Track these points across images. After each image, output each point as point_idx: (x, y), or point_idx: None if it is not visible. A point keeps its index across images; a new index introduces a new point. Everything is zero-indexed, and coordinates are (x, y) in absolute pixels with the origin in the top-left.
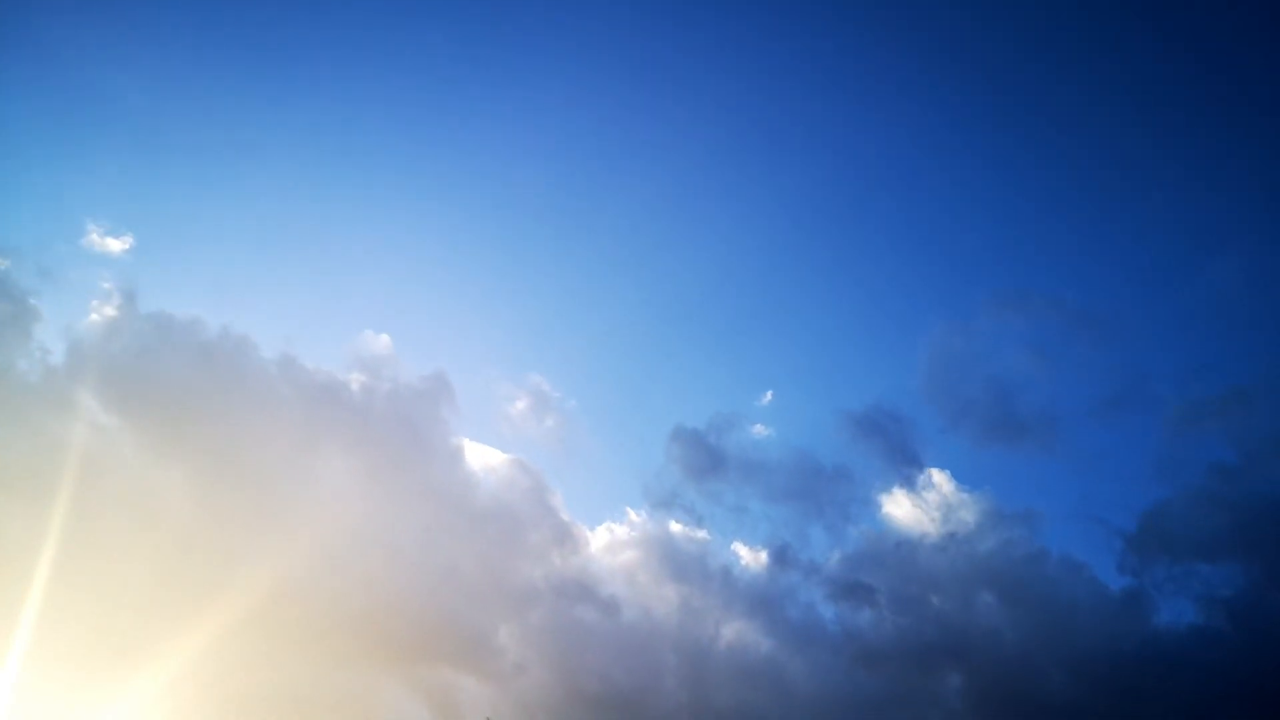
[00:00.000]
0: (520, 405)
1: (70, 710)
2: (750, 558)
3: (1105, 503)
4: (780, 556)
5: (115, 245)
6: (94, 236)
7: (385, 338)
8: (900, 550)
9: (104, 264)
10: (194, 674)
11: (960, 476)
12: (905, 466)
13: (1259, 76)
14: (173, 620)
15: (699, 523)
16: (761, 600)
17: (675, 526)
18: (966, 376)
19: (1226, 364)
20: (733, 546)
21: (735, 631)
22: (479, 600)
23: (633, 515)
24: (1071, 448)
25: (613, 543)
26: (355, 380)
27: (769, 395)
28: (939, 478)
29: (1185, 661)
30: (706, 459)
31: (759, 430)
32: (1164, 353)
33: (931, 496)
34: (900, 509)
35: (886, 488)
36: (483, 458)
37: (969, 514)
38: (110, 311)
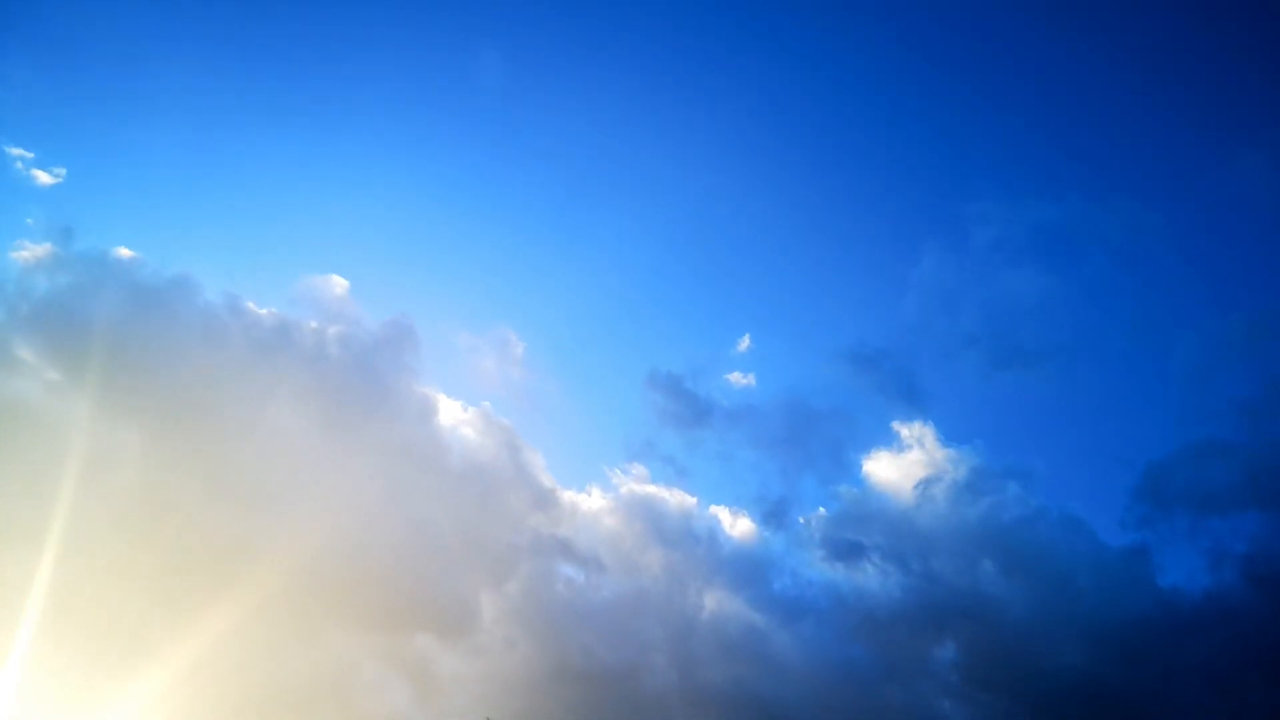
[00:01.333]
0: (488, 358)
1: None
2: (735, 521)
3: (1111, 450)
4: (769, 515)
5: (46, 178)
6: (20, 166)
7: (341, 280)
8: (892, 508)
9: (34, 197)
10: (148, 639)
11: (955, 428)
12: (898, 407)
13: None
14: (123, 583)
15: (680, 476)
16: (749, 566)
17: (658, 489)
18: (962, 304)
19: (1253, 291)
20: (718, 510)
21: (722, 601)
22: (456, 565)
23: (613, 476)
24: (1076, 386)
25: (593, 507)
26: (309, 325)
27: (746, 340)
28: (931, 431)
29: (1197, 624)
30: (686, 406)
31: (738, 378)
32: (1183, 277)
33: (924, 450)
34: (891, 465)
35: (877, 440)
36: (453, 412)
37: (964, 468)
38: (40, 250)
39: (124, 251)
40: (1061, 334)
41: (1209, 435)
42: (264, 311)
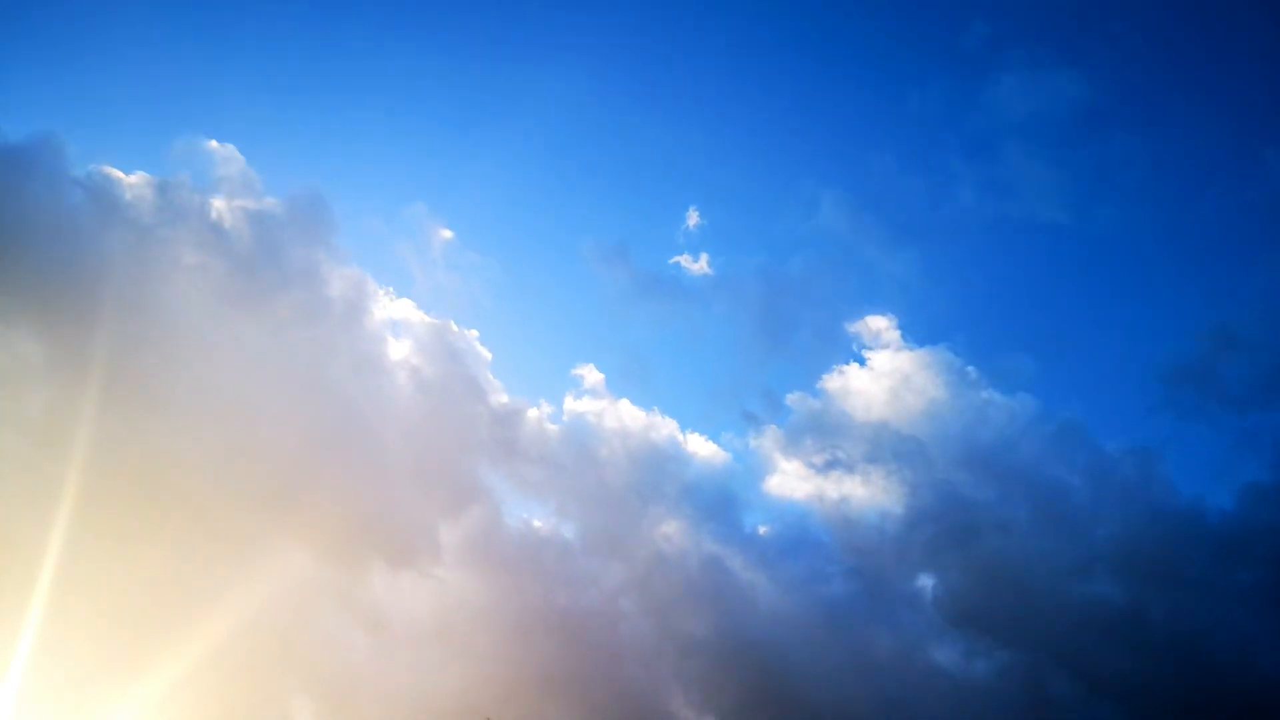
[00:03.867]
0: (410, 244)
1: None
2: (704, 444)
3: (1115, 346)
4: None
5: None
6: None
7: (231, 148)
8: (860, 419)
9: None
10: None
11: (938, 321)
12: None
13: None
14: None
15: (636, 382)
16: (720, 497)
17: (610, 403)
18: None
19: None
20: (684, 435)
21: (689, 536)
22: (410, 489)
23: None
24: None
25: (550, 430)
26: (200, 198)
27: (694, 215)
28: (897, 332)
29: (1238, 538)
30: (639, 284)
31: (686, 260)
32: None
33: (902, 352)
34: (866, 374)
35: (843, 344)
36: (383, 306)
37: (950, 371)
38: None
39: None
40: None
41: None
42: (134, 179)
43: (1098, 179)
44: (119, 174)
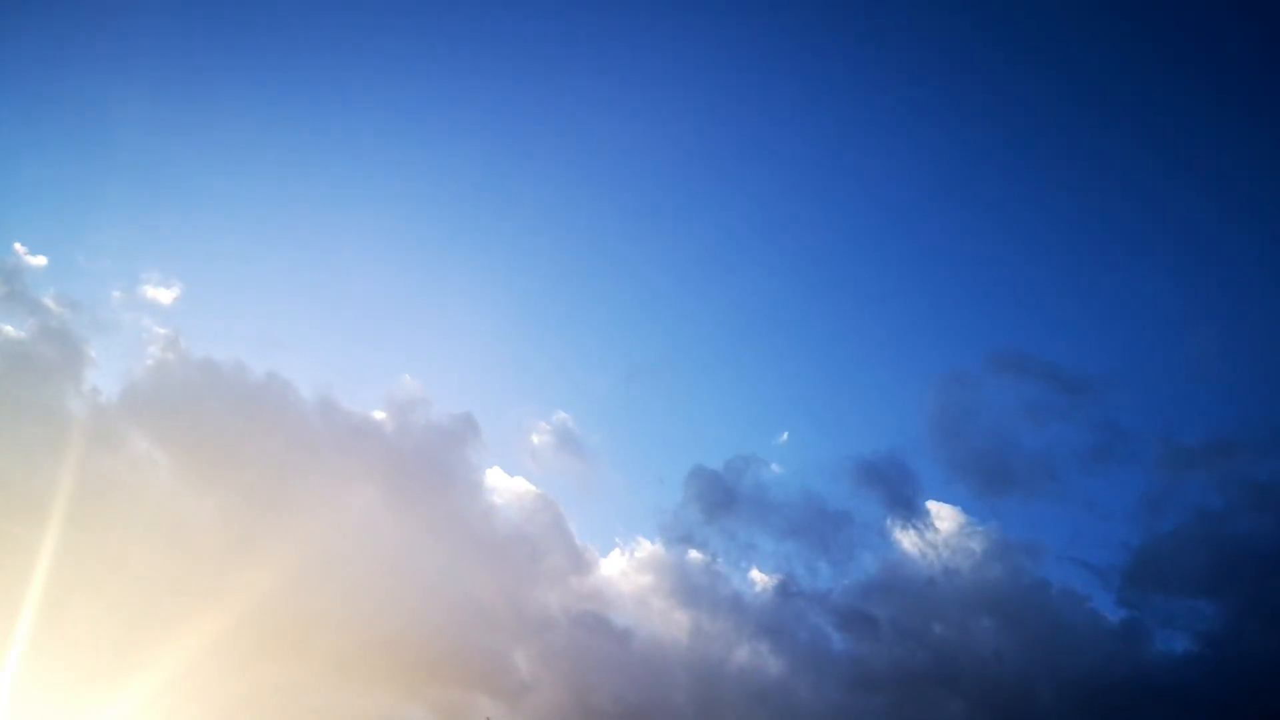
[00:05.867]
0: (543, 439)
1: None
2: (760, 582)
3: (1103, 542)
4: (785, 588)
5: (165, 295)
6: (148, 287)
7: (416, 381)
8: (902, 583)
9: (155, 312)
10: (217, 704)
11: (971, 509)
12: (904, 509)
13: (1241, 140)
14: (201, 645)
15: (712, 557)
16: (770, 625)
17: (690, 553)
18: (967, 427)
19: (1209, 417)
20: (744, 573)
21: (744, 655)
22: (496, 625)
23: (645, 544)
24: (1066, 491)
25: (627, 568)
26: (387, 420)
27: (785, 436)
28: (943, 511)
29: (1177, 687)
30: (721, 496)
31: (775, 469)
32: (1150, 408)
33: (933, 532)
34: (904, 542)
35: (891, 523)
36: (506, 488)
37: (973, 545)
38: (161, 355)
39: (231, 356)
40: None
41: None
42: (349, 409)
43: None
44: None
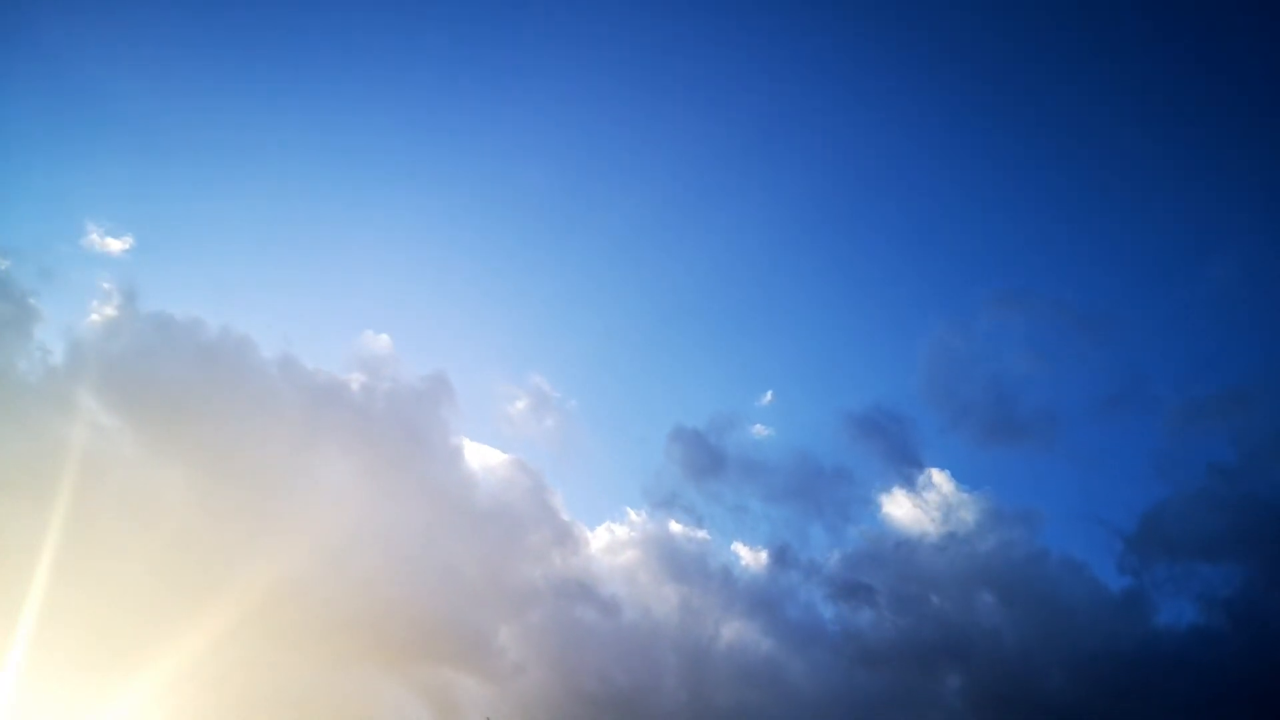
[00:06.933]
0: (520, 405)
1: (70, 710)
2: (750, 558)
3: (1105, 503)
4: (780, 556)
5: (115, 245)
6: (94, 237)
7: (385, 338)
8: (899, 550)
9: (104, 264)
10: (193, 675)
11: (960, 476)
12: (905, 466)
13: (1258, 73)
14: (172, 620)
15: (698, 523)
16: (761, 600)
17: (675, 526)
18: (966, 376)
19: (1226, 363)
20: (733, 546)
21: (735, 631)
22: (479, 600)
23: (633, 515)
24: (1071, 448)
25: (612, 542)
26: (355, 380)
27: (769, 395)
28: (939, 478)
29: (1184, 661)
30: (706, 459)
31: (759, 430)
32: (1164, 352)
33: (931, 496)
34: (899, 509)
35: (886, 488)
36: (483, 457)
37: (969, 514)
38: (110, 312)
39: (186, 312)
40: (1056, 402)
41: (1194, 490)
42: (314, 369)
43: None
44: (300, 362)
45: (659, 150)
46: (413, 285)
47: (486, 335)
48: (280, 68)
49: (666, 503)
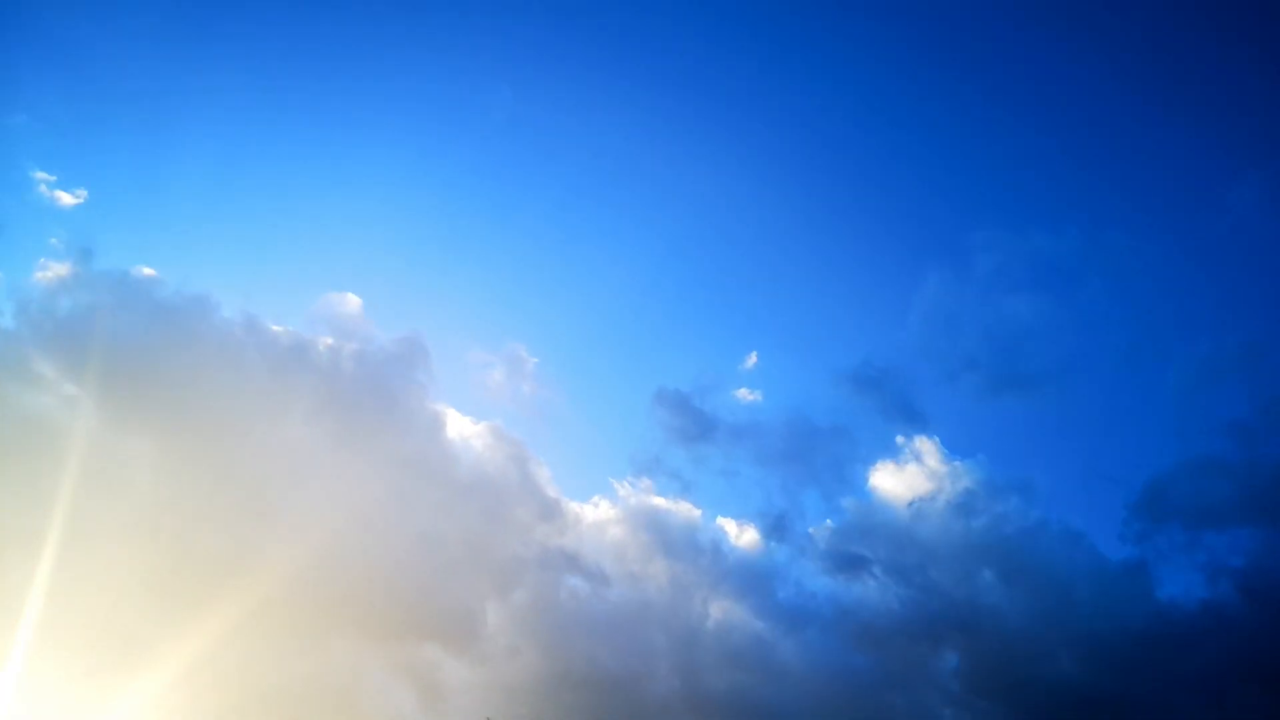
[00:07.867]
0: (499, 373)
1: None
2: (740, 532)
3: (1109, 467)
4: (772, 527)
5: (68, 199)
6: (44, 189)
7: (354, 298)
8: (894, 521)
9: (56, 218)
10: (161, 653)
11: (957, 443)
12: (900, 425)
13: None
14: (139, 598)
15: (685, 490)
16: (753, 577)
17: (663, 501)
18: (963, 327)
19: (1248, 312)
20: (722, 520)
21: (726, 610)
22: (463, 576)
23: (619, 489)
24: (1075, 406)
25: (599, 518)
26: (323, 342)
27: (754, 357)
28: (934, 445)
29: (1193, 636)
30: (692, 422)
31: (744, 394)
32: (1179, 301)
33: (926, 464)
34: (894, 478)
35: (880, 454)
36: (462, 426)
37: (966, 482)
38: (62, 269)
39: (144, 270)
40: (1059, 356)
41: (1204, 453)
42: (279, 329)
43: (1086, 329)
44: (264, 321)
45: (639, 106)
46: (383, 247)
47: (462, 300)
48: (246, 14)
49: (651, 468)
